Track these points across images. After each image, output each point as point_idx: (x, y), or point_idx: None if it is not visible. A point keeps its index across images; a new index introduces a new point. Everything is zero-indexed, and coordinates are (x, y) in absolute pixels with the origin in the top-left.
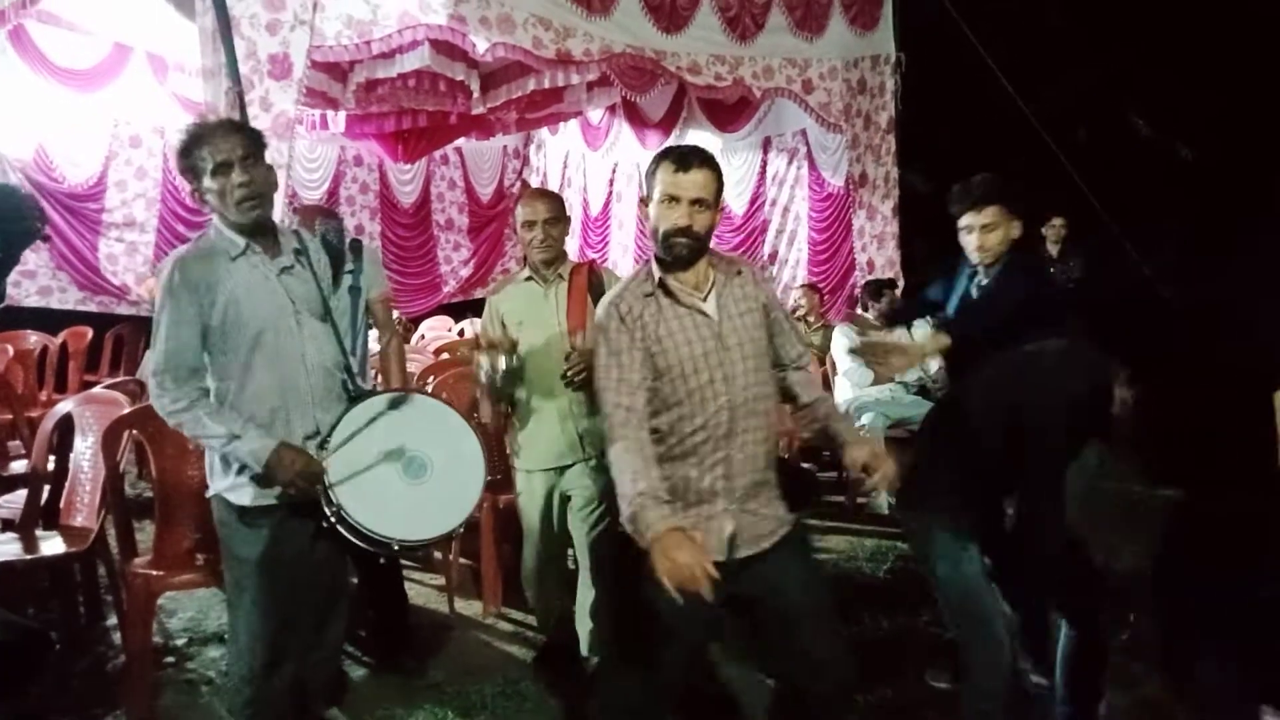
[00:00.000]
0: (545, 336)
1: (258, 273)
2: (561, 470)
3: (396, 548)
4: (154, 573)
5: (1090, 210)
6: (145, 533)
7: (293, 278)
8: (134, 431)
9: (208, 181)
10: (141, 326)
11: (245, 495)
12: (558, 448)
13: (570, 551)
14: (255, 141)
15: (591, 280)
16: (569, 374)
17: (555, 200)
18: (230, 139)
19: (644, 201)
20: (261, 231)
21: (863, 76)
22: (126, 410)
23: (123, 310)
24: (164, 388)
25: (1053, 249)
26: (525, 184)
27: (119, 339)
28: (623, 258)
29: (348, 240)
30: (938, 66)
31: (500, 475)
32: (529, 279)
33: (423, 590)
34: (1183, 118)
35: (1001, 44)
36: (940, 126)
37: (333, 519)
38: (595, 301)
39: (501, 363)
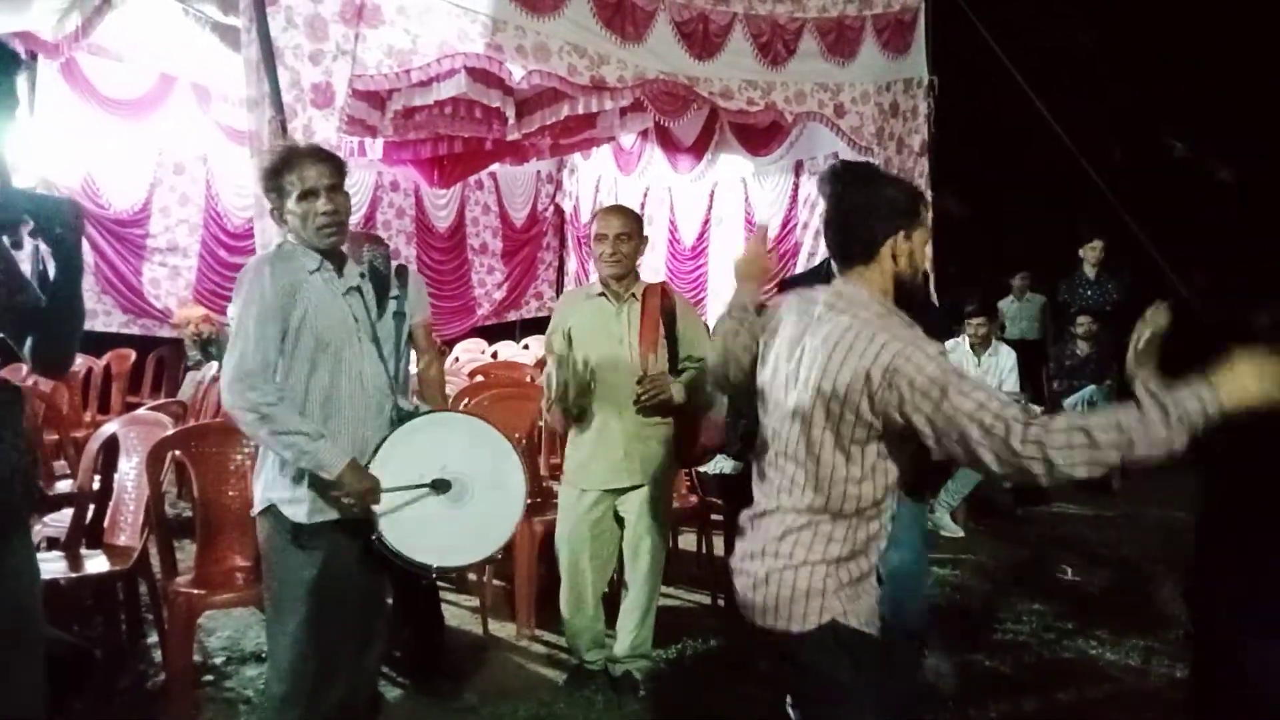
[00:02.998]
0: (614, 355)
1: (329, 289)
2: (621, 492)
3: (433, 573)
4: (195, 592)
5: (1127, 232)
6: (185, 552)
7: (354, 299)
8: (176, 452)
9: (291, 204)
10: (182, 349)
11: (302, 511)
12: (621, 470)
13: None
14: (340, 170)
15: (664, 303)
16: (643, 398)
17: (630, 217)
18: (319, 166)
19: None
20: (334, 253)
21: (895, 100)
22: (170, 432)
23: (165, 333)
24: (254, 385)
25: (1090, 271)
26: (558, 208)
27: (160, 361)
28: (652, 280)
29: (394, 266)
30: (971, 89)
31: (536, 497)
32: (600, 294)
33: (457, 611)
34: (1219, 138)
35: (1035, 65)
36: (974, 149)
37: (375, 541)
38: (668, 324)
39: (567, 374)
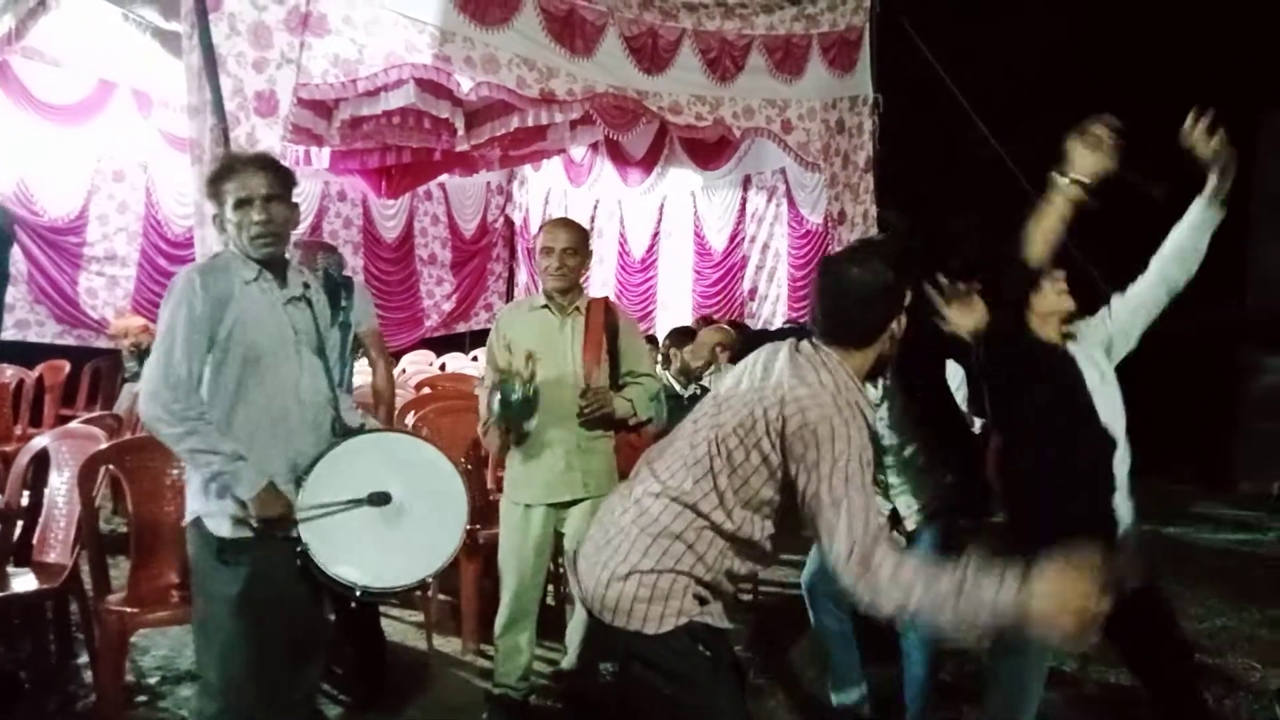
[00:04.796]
0: (557, 369)
1: (266, 299)
2: (563, 507)
3: (359, 593)
4: (128, 610)
5: (1065, 249)
6: (120, 569)
7: (297, 310)
8: (110, 467)
9: (228, 213)
10: (119, 361)
11: (225, 525)
12: (563, 484)
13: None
14: (284, 181)
15: (608, 318)
16: (586, 411)
17: (577, 231)
18: (259, 176)
19: None
20: (274, 264)
21: (841, 117)
22: (103, 445)
23: (101, 344)
24: (177, 395)
25: None
26: (508, 219)
27: (96, 373)
28: (601, 292)
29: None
30: (915, 108)
31: (482, 510)
32: (544, 306)
33: (400, 626)
34: (1159, 159)
35: (977, 85)
36: (917, 166)
37: (299, 559)
38: (610, 339)
39: (516, 391)
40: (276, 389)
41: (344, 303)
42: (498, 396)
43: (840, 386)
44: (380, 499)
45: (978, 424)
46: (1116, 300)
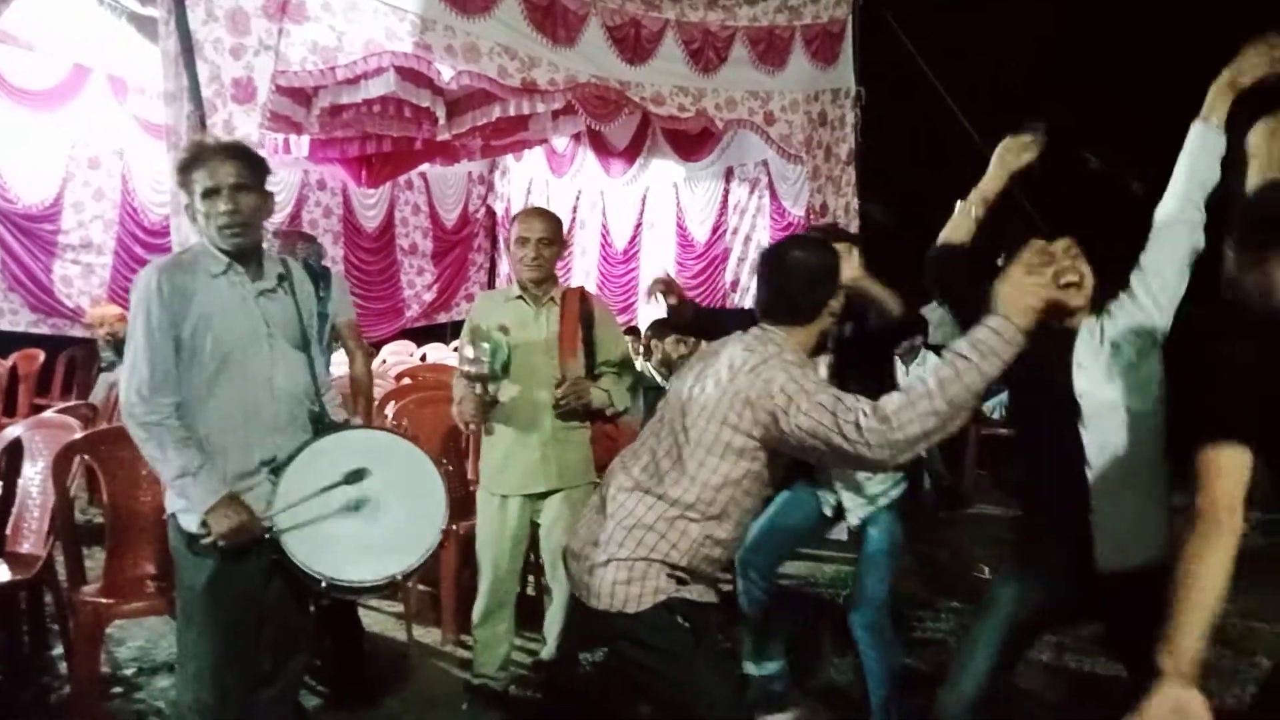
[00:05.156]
0: (532, 358)
1: (236, 292)
2: (540, 497)
3: (324, 585)
4: (103, 601)
5: (1046, 241)
6: (95, 560)
7: (271, 302)
8: (85, 457)
9: (197, 202)
10: (95, 350)
11: (193, 522)
12: (539, 474)
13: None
14: (256, 170)
15: (583, 308)
16: (563, 401)
17: (552, 221)
18: (229, 164)
19: None
20: (246, 254)
21: (823, 109)
22: (78, 435)
23: (76, 333)
24: (141, 396)
25: None
26: (490, 210)
27: (71, 362)
28: (584, 283)
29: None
30: (897, 101)
31: (462, 501)
32: (519, 297)
33: (380, 618)
34: (1135, 153)
35: (960, 79)
36: (900, 160)
37: (278, 555)
38: (586, 329)
39: (489, 342)
40: (248, 384)
41: (321, 293)
42: (470, 349)
43: (788, 352)
44: (356, 476)
45: None
46: (1135, 277)
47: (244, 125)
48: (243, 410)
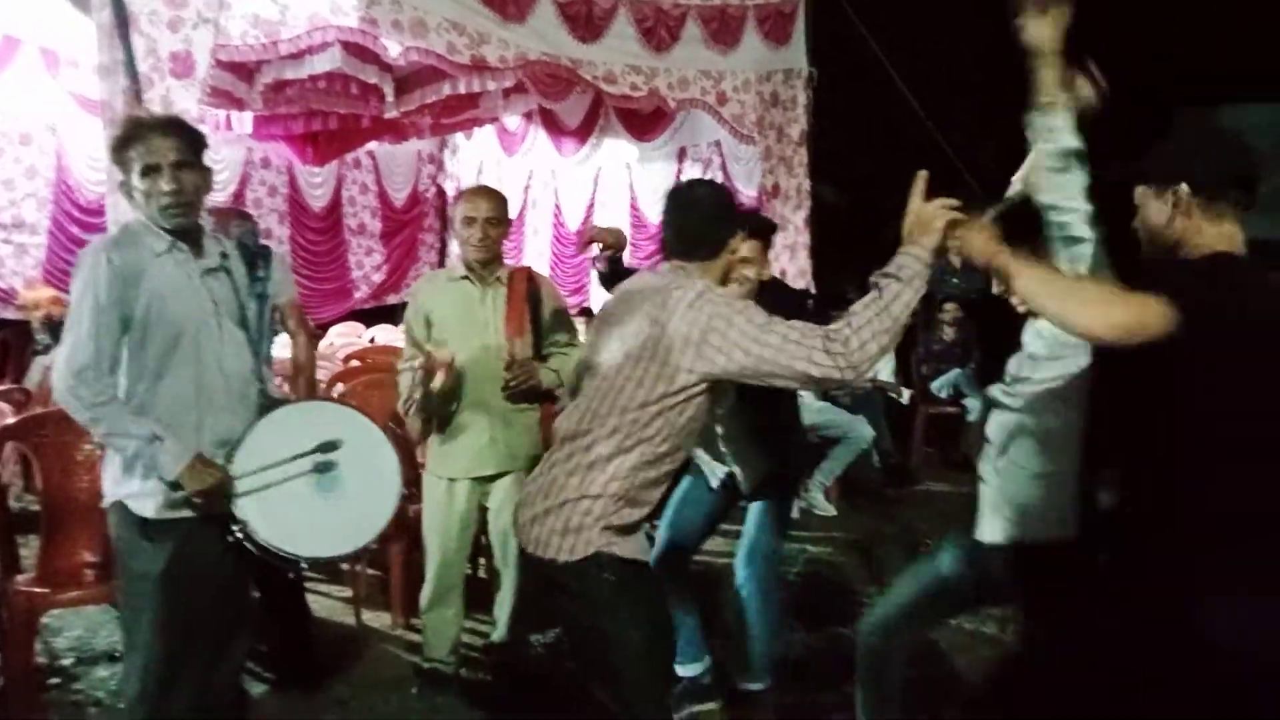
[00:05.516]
0: (479, 341)
1: (181, 271)
2: (488, 480)
3: (305, 565)
4: (37, 590)
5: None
6: (30, 549)
7: (215, 281)
8: (18, 442)
9: (135, 180)
10: (29, 333)
11: (149, 506)
12: (487, 457)
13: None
14: (194, 145)
15: (530, 287)
16: (512, 384)
17: (499, 200)
18: (167, 140)
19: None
20: (187, 233)
21: (775, 90)
22: (10, 420)
23: (9, 315)
24: (84, 380)
25: (956, 261)
26: (440, 189)
27: (5, 345)
28: (536, 264)
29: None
30: (850, 83)
31: (412, 482)
32: (464, 278)
33: (328, 602)
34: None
35: (911, 62)
36: (851, 141)
37: (239, 534)
38: (534, 308)
39: (438, 381)
40: (199, 363)
41: (261, 273)
42: (420, 389)
43: (709, 287)
44: (330, 445)
45: (906, 395)
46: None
47: (183, 100)
48: (195, 390)
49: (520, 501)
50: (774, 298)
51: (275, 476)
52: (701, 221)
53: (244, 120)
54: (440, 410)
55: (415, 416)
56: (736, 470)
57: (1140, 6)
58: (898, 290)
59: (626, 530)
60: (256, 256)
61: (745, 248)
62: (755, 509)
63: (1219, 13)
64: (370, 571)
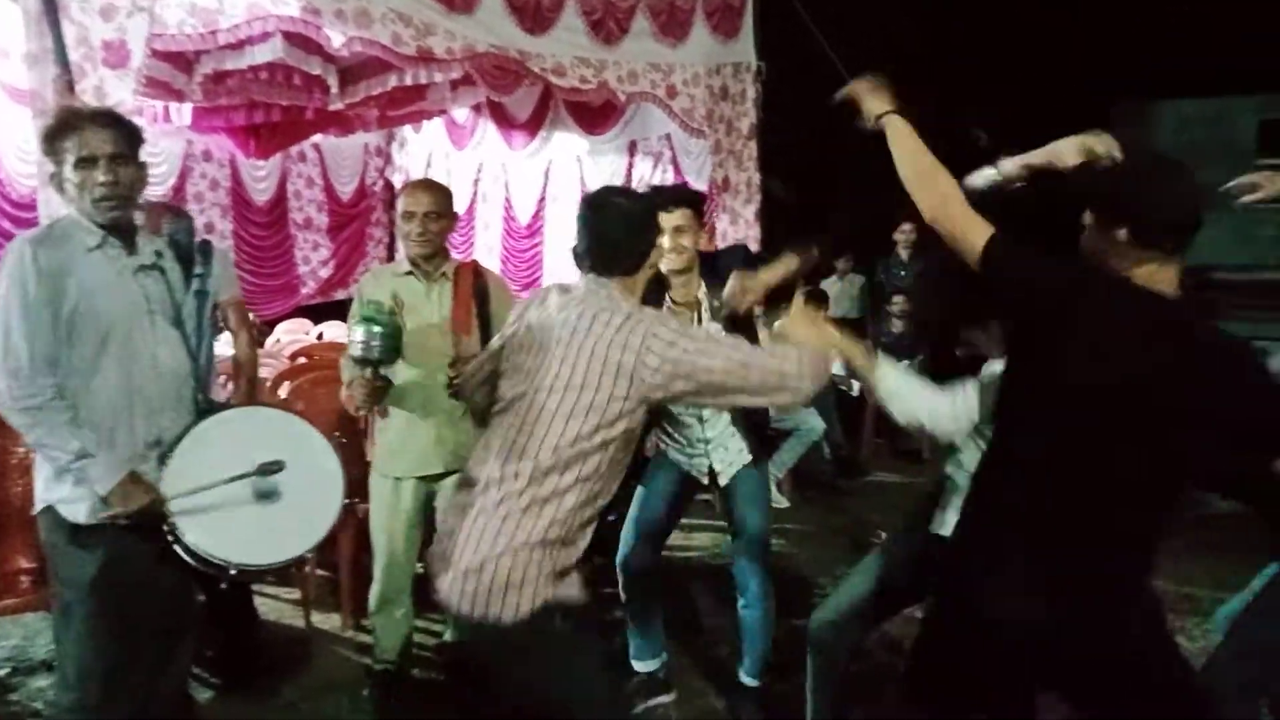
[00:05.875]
0: (425, 336)
1: (113, 267)
2: (435, 479)
3: (234, 572)
4: None
5: None
6: None
7: (149, 278)
8: None
9: (68, 172)
10: None
11: (80, 511)
12: (434, 456)
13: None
14: (130, 139)
15: (477, 282)
16: (457, 381)
17: (440, 193)
18: (102, 132)
19: None
20: (121, 228)
21: (725, 84)
22: None
23: None
24: (19, 378)
25: (904, 253)
26: (388, 182)
27: None
28: (487, 258)
29: (197, 241)
30: (799, 76)
31: (360, 482)
32: (409, 272)
33: (277, 604)
34: (1016, 131)
35: (859, 57)
36: (801, 135)
37: (169, 539)
38: (481, 304)
39: (379, 324)
40: (132, 362)
41: (199, 269)
42: (360, 331)
43: (633, 310)
44: (271, 468)
45: (856, 387)
46: None
47: (117, 91)
48: (128, 390)
49: (434, 557)
50: (716, 263)
51: (210, 496)
52: (620, 233)
53: (183, 112)
54: (382, 360)
55: (358, 380)
56: (715, 462)
57: (1083, 4)
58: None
59: (568, 573)
60: (193, 252)
61: (677, 215)
62: (740, 496)
63: (1158, 11)
64: (320, 573)
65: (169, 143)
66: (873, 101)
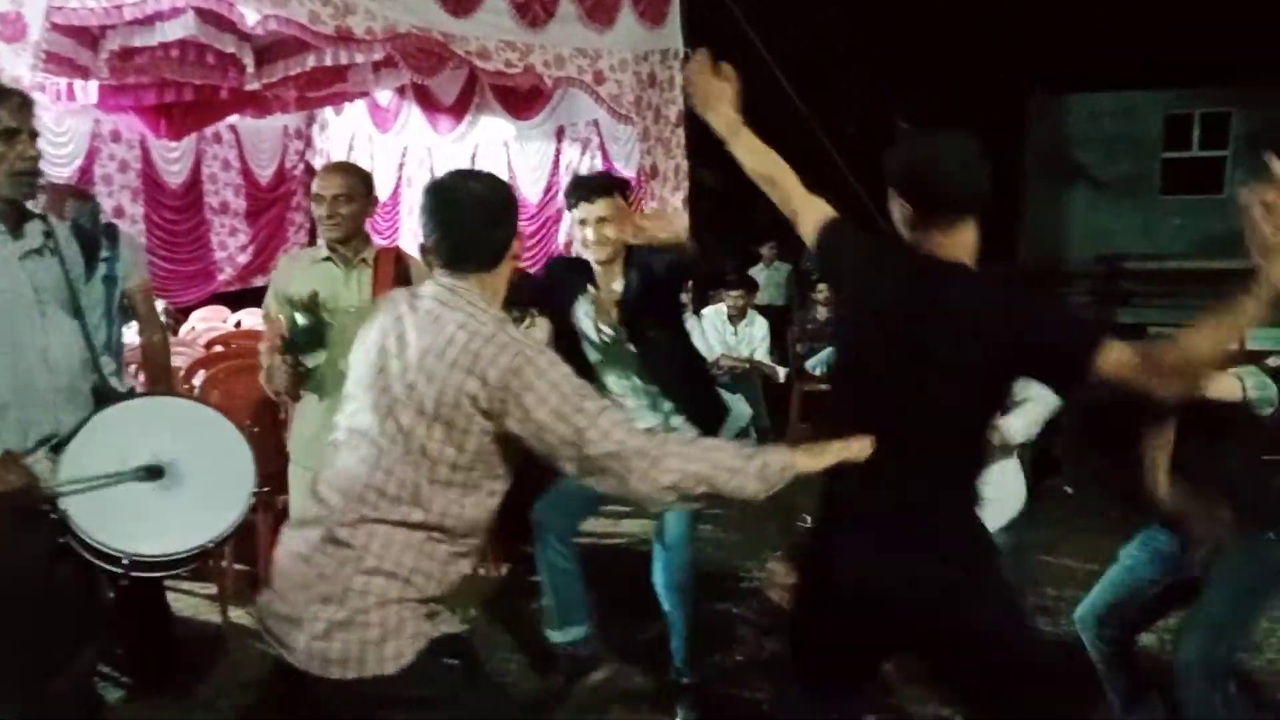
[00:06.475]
0: (343, 325)
1: None
2: None
3: (126, 562)
4: None
5: (859, 201)
6: None
7: (38, 264)
8: None
9: None
10: None
11: None
12: None
13: None
14: (25, 111)
15: (398, 269)
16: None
17: (353, 176)
18: (10, 102)
19: None
20: (5, 212)
21: (653, 70)
22: None
23: None
24: None
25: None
26: (309, 166)
27: None
28: (413, 244)
29: (103, 224)
30: (724, 62)
31: (279, 474)
32: (327, 258)
33: (192, 600)
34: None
35: (784, 44)
36: None
37: (65, 532)
38: None
39: (299, 318)
40: (17, 354)
41: (105, 254)
42: (286, 317)
43: (499, 321)
44: (151, 473)
45: (782, 373)
46: None
47: (13, 66)
48: (14, 384)
49: (276, 611)
50: (644, 260)
51: (102, 477)
52: (475, 223)
53: (89, 90)
54: (304, 351)
55: (279, 368)
56: None
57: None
58: (748, 470)
59: (450, 598)
60: (98, 237)
61: (601, 205)
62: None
63: (1074, 8)
64: (238, 566)
65: (74, 122)
66: (717, 116)
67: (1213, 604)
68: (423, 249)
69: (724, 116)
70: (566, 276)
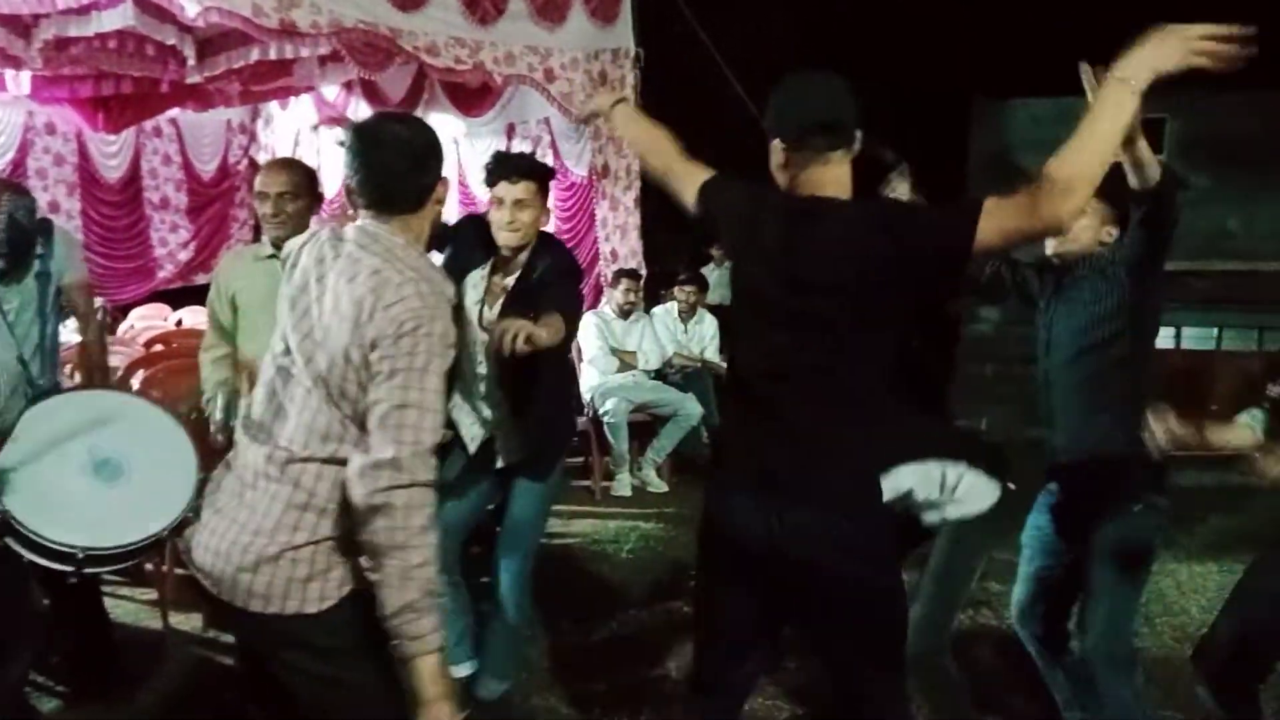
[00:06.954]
0: None
1: None
2: None
3: (81, 557)
4: None
5: None
6: None
7: None
8: None
9: None
10: None
11: None
12: None
13: None
14: None
15: None
16: None
17: (297, 173)
18: None
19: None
20: None
21: (604, 69)
22: None
23: None
24: None
25: None
26: (253, 161)
27: None
28: None
29: (38, 220)
30: (677, 64)
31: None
32: (271, 256)
33: (132, 606)
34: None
35: (735, 45)
36: (679, 123)
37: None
38: None
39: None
40: None
41: (40, 251)
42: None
43: (423, 273)
44: (87, 455)
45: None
46: None
47: None
48: None
49: (210, 546)
50: (552, 256)
51: (45, 480)
52: (399, 164)
53: (21, 80)
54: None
55: (219, 411)
56: (497, 437)
57: (943, 9)
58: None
59: (359, 553)
60: (33, 234)
61: (520, 188)
62: (519, 488)
63: (1013, 15)
64: (178, 571)
65: (6, 113)
66: (599, 99)
67: (1100, 595)
68: (346, 190)
69: (601, 98)
70: (472, 240)
